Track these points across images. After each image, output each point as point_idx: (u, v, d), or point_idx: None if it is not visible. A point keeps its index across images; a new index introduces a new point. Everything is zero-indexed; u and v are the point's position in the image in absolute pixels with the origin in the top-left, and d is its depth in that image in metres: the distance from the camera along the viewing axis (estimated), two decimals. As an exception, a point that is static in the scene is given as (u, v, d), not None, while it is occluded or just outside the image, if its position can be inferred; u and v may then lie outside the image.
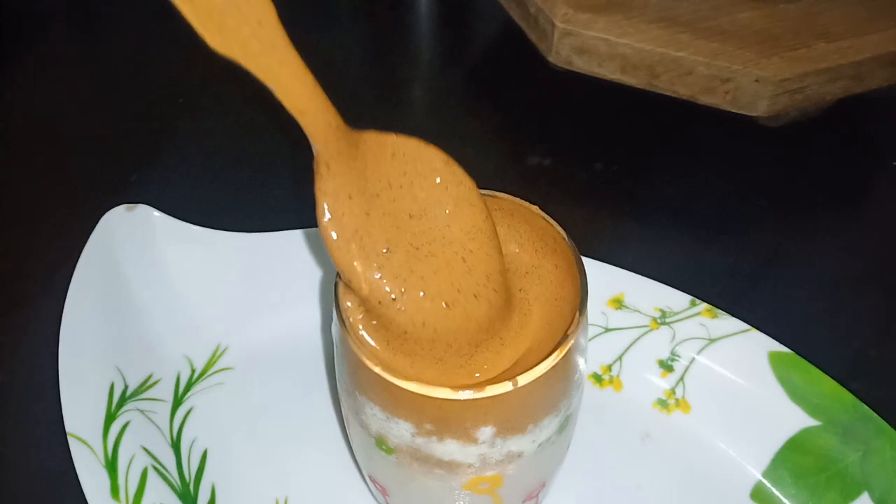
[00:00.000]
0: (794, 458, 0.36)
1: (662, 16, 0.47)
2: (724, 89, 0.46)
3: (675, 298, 0.40)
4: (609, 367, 0.40)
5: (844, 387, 0.37)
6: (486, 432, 0.25)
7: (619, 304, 0.40)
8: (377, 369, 0.24)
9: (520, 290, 0.28)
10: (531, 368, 0.24)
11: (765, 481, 0.36)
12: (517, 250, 0.29)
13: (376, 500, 0.34)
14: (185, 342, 0.40)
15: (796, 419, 0.36)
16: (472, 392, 0.23)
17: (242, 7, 0.21)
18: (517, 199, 0.29)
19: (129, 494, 0.34)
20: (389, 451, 0.27)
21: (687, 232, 0.48)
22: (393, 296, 0.24)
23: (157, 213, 0.42)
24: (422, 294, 0.24)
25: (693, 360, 0.39)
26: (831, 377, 0.37)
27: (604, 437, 0.37)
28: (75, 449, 0.34)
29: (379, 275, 0.24)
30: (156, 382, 0.38)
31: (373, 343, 0.26)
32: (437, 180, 0.25)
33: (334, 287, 0.26)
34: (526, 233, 0.29)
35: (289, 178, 0.49)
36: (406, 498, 0.29)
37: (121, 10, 0.61)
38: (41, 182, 0.50)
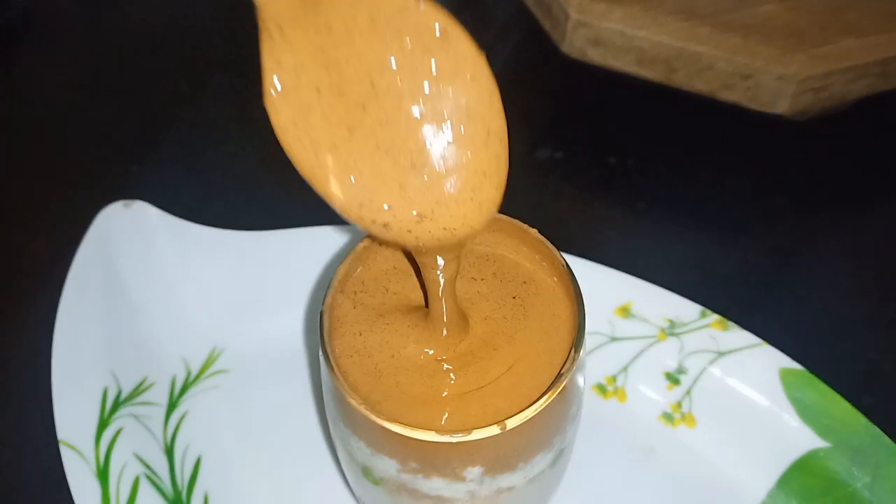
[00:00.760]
0: (801, 480, 0.35)
1: (682, 7, 0.45)
2: (745, 86, 0.44)
3: (685, 308, 0.39)
4: (614, 378, 0.39)
5: (858, 401, 0.35)
6: (473, 472, 0.24)
7: (626, 312, 0.39)
8: (362, 409, 0.23)
9: (513, 297, 0.27)
10: (521, 411, 0.23)
11: (770, 502, 0.35)
12: (515, 260, 0.28)
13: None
14: (181, 344, 0.40)
15: (805, 439, 0.35)
16: (457, 436, 0.22)
17: None
18: (515, 221, 0.28)
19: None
20: (376, 481, 0.26)
21: (702, 232, 0.46)
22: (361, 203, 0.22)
23: (155, 210, 0.42)
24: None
25: (701, 373, 0.38)
26: (846, 390, 0.36)
27: (606, 450, 0.37)
28: (67, 457, 0.34)
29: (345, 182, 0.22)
30: (150, 386, 0.38)
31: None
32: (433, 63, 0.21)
33: (319, 319, 0.25)
34: (525, 250, 0.28)
35: (292, 175, 0.48)
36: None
37: (122, 2, 0.60)
38: (35, 176, 0.49)
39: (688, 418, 0.37)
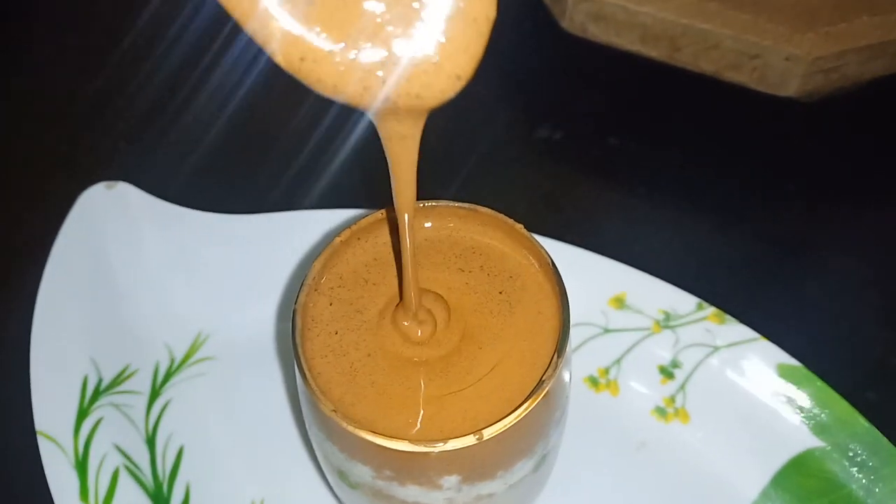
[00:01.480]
0: (795, 479, 0.34)
1: (687, -18, 0.43)
2: (752, 66, 0.42)
3: (681, 300, 0.37)
4: (606, 371, 0.38)
5: (861, 398, 0.34)
6: (450, 480, 0.23)
7: (620, 303, 0.38)
8: (335, 417, 0.22)
9: (500, 292, 0.26)
10: (499, 420, 0.22)
11: (764, 501, 0.34)
12: (502, 254, 0.27)
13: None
14: (165, 330, 0.39)
15: (801, 438, 0.34)
16: (432, 446, 0.22)
17: None
18: (502, 215, 0.27)
19: (99, 496, 0.33)
20: (352, 485, 0.25)
21: (703, 219, 0.45)
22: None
23: (138, 191, 0.41)
24: None
25: (696, 367, 0.37)
26: (848, 386, 0.35)
27: (596, 445, 0.36)
28: (45, 448, 0.33)
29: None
30: (133, 373, 0.37)
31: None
32: None
33: (292, 319, 0.24)
34: (511, 244, 0.27)
35: (280, 158, 0.47)
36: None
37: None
38: (15, 156, 0.48)
39: (681, 413, 0.36)
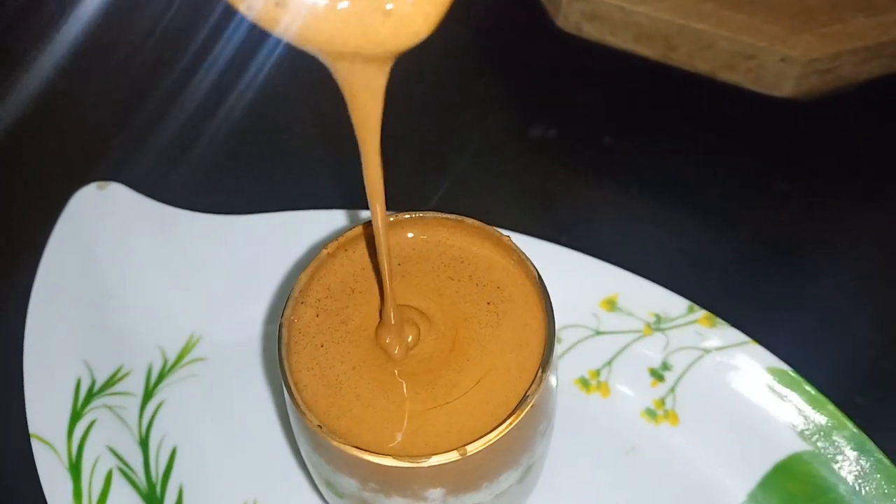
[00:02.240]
0: (782, 483, 0.34)
1: (682, -18, 0.43)
2: (747, 66, 0.42)
3: (672, 303, 0.37)
4: (597, 373, 0.38)
5: (850, 402, 0.35)
6: (435, 493, 0.23)
7: (612, 305, 0.38)
8: (320, 433, 0.22)
9: (488, 302, 0.26)
10: (483, 435, 0.22)
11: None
12: (490, 264, 0.27)
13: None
14: (157, 331, 0.39)
15: (789, 442, 0.34)
16: (416, 461, 0.22)
17: None
18: (489, 227, 0.27)
19: (93, 499, 0.33)
20: (340, 495, 0.26)
21: (697, 220, 0.44)
22: None
23: (130, 192, 0.41)
24: None
25: (686, 370, 0.37)
26: (838, 390, 0.35)
27: (586, 447, 0.36)
28: (38, 451, 0.33)
29: None
30: (126, 375, 0.37)
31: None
32: None
33: (278, 332, 0.24)
34: (500, 255, 0.27)
35: (273, 158, 0.47)
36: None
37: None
38: (5, 156, 0.47)
39: (671, 416, 0.36)
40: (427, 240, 0.27)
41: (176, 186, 0.43)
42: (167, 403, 0.37)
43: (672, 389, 0.37)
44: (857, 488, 0.33)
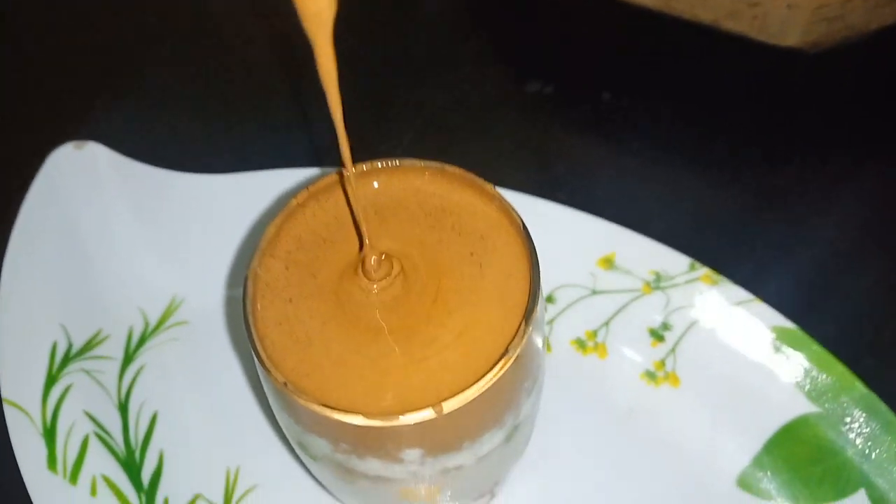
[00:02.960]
0: (788, 446, 0.33)
1: (684, -77, 0.40)
2: (752, 14, 0.40)
3: (673, 260, 0.36)
4: (594, 333, 0.36)
5: (858, 363, 0.33)
6: (411, 453, 0.22)
7: (609, 263, 0.37)
8: (285, 391, 0.21)
9: (471, 253, 0.24)
10: (461, 391, 0.21)
11: (755, 468, 0.33)
12: (473, 213, 0.25)
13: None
14: (138, 294, 0.38)
15: (795, 403, 0.33)
16: (388, 420, 0.20)
17: None
18: (471, 174, 0.25)
19: (68, 465, 0.32)
20: (313, 457, 0.24)
21: (699, 175, 0.43)
22: None
23: (108, 151, 0.39)
24: None
25: (687, 330, 0.35)
26: (845, 351, 0.33)
27: (582, 410, 0.34)
28: (11, 416, 0.32)
29: None
30: (104, 339, 0.36)
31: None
32: None
33: (243, 286, 0.23)
34: (483, 204, 0.25)
35: (255, 117, 0.45)
36: (343, 494, 0.27)
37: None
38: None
39: (672, 377, 0.35)
40: (405, 188, 0.26)
41: (156, 146, 0.41)
42: (148, 368, 0.36)
43: (672, 350, 0.35)
44: (867, 451, 0.31)
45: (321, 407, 0.21)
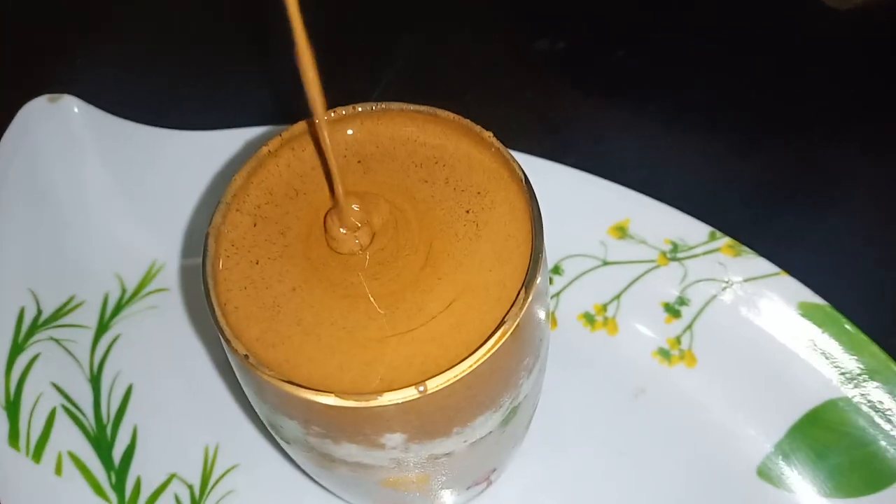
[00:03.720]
0: (814, 433, 0.30)
1: None
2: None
3: (691, 229, 0.33)
4: (604, 307, 0.34)
5: (888, 343, 0.30)
6: (393, 438, 0.19)
7: (622, 232, 0.34)
8: (247, 365, 0.18)
9: (467, 211, 0.21)
10: (448, 368, 0.18)
11: (776, 457, 0.30)
12: (469, 166, 0.22)
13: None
14: (115, 258, 0.35)
15: (823, 387, 0.30)
16: (365, 400, 0.18)
17: None
18: (467, 121, 0.22)
19: (31, 441, 0.30)
20: (286, 440, 0.22)
21: (719, 138, 0.40)
22: None
23: (84, 105, 0.37)
24: None
25: (706, 305, 0.33)
26: (876, 327, 0.31)
27: (589, 390, 0.32)
28: (-29, 387, 0.30)
29: None
30: (78, 305, 0.34)
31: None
32: None
33: (203, 245, 0.20)
34: (481, 155, 0.22)
35: (239, 73, 0.42)
36: (322, 480, 0.24)
37: None
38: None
39: (687, 356, 0.32)
40: (393, 136, 0.23)
41: (136, 100, 0.39)
42: (124, 337, 0.34)
43: (689, 327, 0.33)
44: (901, 439, 0.29)
45: (287, 384, 0.18)
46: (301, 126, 0.22)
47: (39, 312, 0.33)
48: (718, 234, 0.33)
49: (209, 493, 0.30)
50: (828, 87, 0.41)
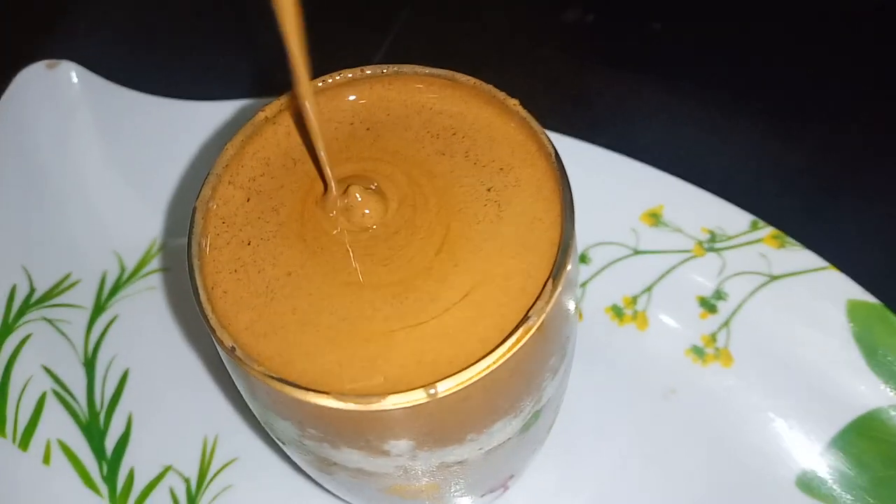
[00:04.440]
0: (860, 443, 0.28)
1: None
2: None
3: (732, 217, 0.32)
4: (634, 300, 0.31)
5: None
6: (399, 445, 0.17)
7: (655, 219, 0.32)
8: (233, 359, 0.16)
9: (488, 189, 0.19)
10: (462, 369, 0.16)
11: (817, 468, 0.28)
12: (491, 138, 0.20)
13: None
14: (114, 235, 0.34)
15: (871, 393, 0.29)
16: (367, 403, 0.15)
17: None
18: (490, 87, 0.20)
19: (19, 427, 0.28)
20: (281, 441, 0.20)
21: (763, 120, 0.38)
22: None
23: (84, 72, 0.35)
24: None
25: (745, 300, 0.31)
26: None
27: (614, 388, 0.31)
28: (-44, 369, 0.29)
29: None
30: (73, 284, 0.33)
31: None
32: None
33: (190, 220, 0.18)
34: (505, 126, 0.20)
35: (242, 40, 0.40)
36: (324, 483, 0.22)
37: None
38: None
39: (723, 355, 0.30)
40: (406, 102, 0.20)
41: (139, 67, 0.37)
42: (121, 319, 0.33)
43: (726, 323, 0.31)
44: (959, 454, 0.26)
45: (279, 382, 0.16)
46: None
47: (32, 291, 0.32)
48: (761, 223, 0.31)
49: (206, 487, 0.29)
50: (879, 68, 0.38)
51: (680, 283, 0.31)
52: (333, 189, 0.18)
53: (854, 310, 0.29)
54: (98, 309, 0.32)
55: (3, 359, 0.29)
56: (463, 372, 0.16)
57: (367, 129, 0.20)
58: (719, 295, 0.31)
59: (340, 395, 0.16)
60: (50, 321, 0.31)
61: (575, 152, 0.33)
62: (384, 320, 0.17)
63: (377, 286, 0.18)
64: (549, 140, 0.19)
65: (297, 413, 0.17)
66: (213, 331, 0.17)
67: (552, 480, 0.28)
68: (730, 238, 0.31)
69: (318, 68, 0.19)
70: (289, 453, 0.21)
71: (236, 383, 0.19)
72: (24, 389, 0.29)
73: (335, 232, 0.18)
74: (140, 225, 0.34)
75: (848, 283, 0.29)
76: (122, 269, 0.33)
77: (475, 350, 0.17)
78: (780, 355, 0.29)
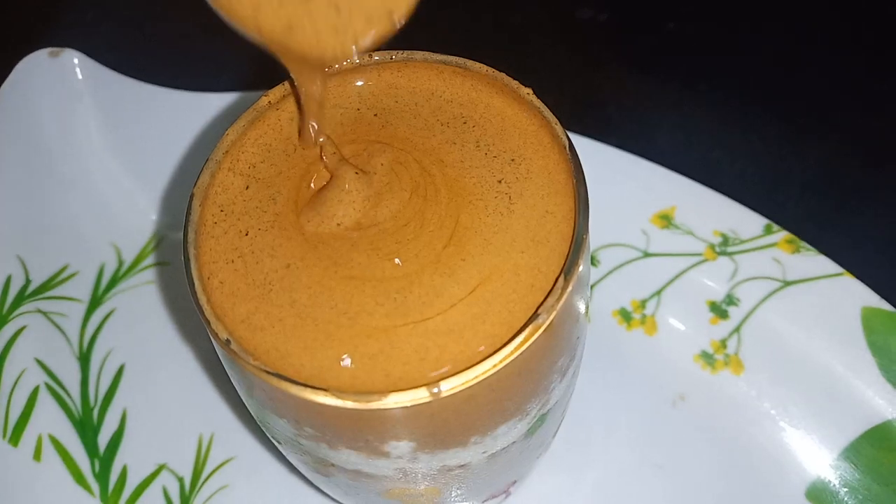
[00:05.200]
0: (872, 454, 0.28)
1: None
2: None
3: (745, 220, 0.31)
4: (643, 304, 0.31)
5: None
6: (400, 446, 0.16)
7: (666, 221, 0.31)
8: (228, 352, 0.15)
9: (499, 180, 0.18)
10: (467, 368, 0.15)
11: (829, 478, 0.27)
12: (502, 129, 0.19)
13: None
14: (113, 227, 0.34)
15: (885, 403, 0.28)
16: (367, 401, 0.15)
17: None
18: (504, 76, 0.19)
19: (10, 421, 0.28)
20: (277, 440, 0.19)
21: (778, 123, 0.38)
22: None
23: (87, 60, 0.35)
24: None
25: (757, 306, 0.30)
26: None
27: (621, 393, 0.30)
28: (-53, 361, 0.28)
29: None
30: (70, 276, 0.32)
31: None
32: None
33: (187, 208, 0.17)
34: (516, 115, 0.19)
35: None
36: (320, 485, 0.22)
37: None
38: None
39: (733, 362, 0.29)
40: (415, 89, 0.20)
41: (143, 57, 0.37)
42: (118, 313, 0.32)
43: (737, 329, 0.30)
44: (977, 468, 0.25)
45: (274, 377, 0.15)
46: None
47: (28, 282, 0.31)
48: (775, 227, 0.30)
49: (201, 487, 0.28)
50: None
51: (690, 287, 0.31)
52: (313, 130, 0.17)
53: (869, 317, 0.28)
54: (95, 302, 0.32)
55: (-5, 351, 0.29)
56: (468, 370, 0.15)
57: (375, 115, 0.19)
58: (731, 300, 0.30)
59: (339, 391, 0.15)
60: (45, 313, 0.30)
61: (586, 152, 0.32)
62: (386, 315, 0.17)
63: (380, 280, 0.17)
64: (564, 131, 0.18)
65: (293, 410, 0.16)
66: (208, 322, 0.16)
67: (556, 487, 0.27)
68: (743, 242, 0.30)
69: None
70: (285, 454, 0.21)
71: (231, 378, 0.18)
72: (16, 383, 0.28)
73: (346, 221, 0.17)
74: (140, 216, 0.34)
75: (863, 290, 0.29)
76: (121, 262, 0.33)
77: (481, 348, 0.16)
78: (791, 362, 0.29)
